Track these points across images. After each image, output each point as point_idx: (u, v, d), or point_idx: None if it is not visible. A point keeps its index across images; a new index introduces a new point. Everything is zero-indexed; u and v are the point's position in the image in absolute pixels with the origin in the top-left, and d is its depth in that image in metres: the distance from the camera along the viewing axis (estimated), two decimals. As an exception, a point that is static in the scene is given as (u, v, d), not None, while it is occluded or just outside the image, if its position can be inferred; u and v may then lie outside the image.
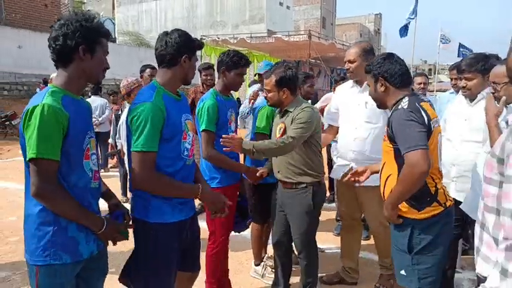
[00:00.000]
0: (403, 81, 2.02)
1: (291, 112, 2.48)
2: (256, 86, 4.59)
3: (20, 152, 1.54)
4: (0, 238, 3.88)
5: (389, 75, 2.00)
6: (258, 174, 2.65)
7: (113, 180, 6.28)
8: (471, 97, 2.56)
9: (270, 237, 3.05)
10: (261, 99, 3.51)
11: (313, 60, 19.87)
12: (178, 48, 1.84)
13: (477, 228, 1.47)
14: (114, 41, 26.97)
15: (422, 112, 1.86)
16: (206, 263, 2.76)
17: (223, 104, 2.61)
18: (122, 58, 16.25)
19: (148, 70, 4.30)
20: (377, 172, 2.36)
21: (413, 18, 14.24)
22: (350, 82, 2.99)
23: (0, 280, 3.02)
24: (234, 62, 2.62)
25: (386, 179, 2.01)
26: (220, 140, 2.34)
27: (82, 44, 1.52)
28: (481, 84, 2.50)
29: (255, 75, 4.78)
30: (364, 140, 2.79)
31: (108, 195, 1.83)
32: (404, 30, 14.48)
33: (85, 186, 1.59)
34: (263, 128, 2.97)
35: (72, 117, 1.48)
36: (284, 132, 2.47)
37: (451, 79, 3.85)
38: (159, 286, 1.89)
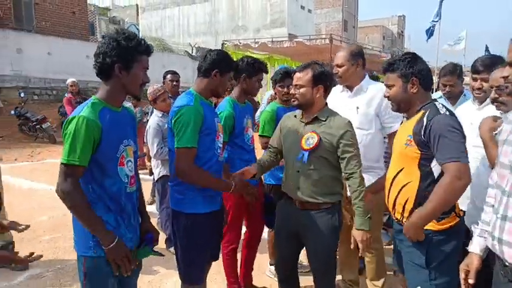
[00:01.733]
0: (431, 84, 1.93)
1: (324, 121, 2.17)
2: (272, 92, 4.67)
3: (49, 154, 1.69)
4: (33, 237, 4.07)
5: (423, 76, 1.86)
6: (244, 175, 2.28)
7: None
8: (483, 100, 2.42)
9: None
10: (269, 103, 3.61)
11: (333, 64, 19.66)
12: (212, 63, 2.14)
13: (496, 221, 1.50)
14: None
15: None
16: (224, 263, 2.84)
17: (240, 112, 2.70)
18: (146, 63, 16.57)
19: (169, 76, 4.43)
20: (376, 192, 2.33)
21: (437, 21, 13.97)
22: (339, 86, 2.87)
23: (34, 277, 3.19)
24: (256, 69, 2.69)
25: (402, 187, 1.86)
26: None
27: (118, 62, 1.64)
28: None
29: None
30: None
31: (143, 217, 1.95)
32: (430, 33, 14.23)
33: (119, 190, 1.71)
34: (266, 131, 2.98)
35: (105, 128, 1.62)
36: (318, 145, 2.13)
37: (444, 85, 3.35)
38: (193, 272, 2.16)
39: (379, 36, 45.02)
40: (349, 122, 2.19)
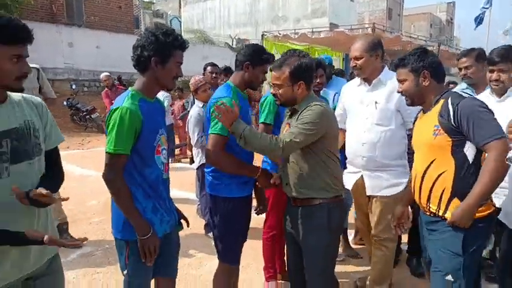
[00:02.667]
0: (443, 76, 1.95)
1: (298, 111, 2.05)
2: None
3: (98, 142, 1.84)
4: (84, 219, 4.40)
5: (433, 69, 1.89)
6: (272, 181, 2.19)
7: (183, 172, 6.70)
8: (501, 92, 2.36)
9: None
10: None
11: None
12: (244, 56, 2.19)
13: None
14: (180, 38, 28.16)
15: None
16: (263, 248, 2.93)
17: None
18: (186, 55, 16.99)
19: (209, 68, 4.53)
20: (409, 204, 2.22)
21: (487, 8, 13.16)
22: (357, 80, 2.72)
23: (85, 255, 3.47)
24: (263, 59, 2.25)
25: (437, 178, 1.86)
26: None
27: (154, 56, 1.72)
28: None
29: None
30: (374, 145, 2.52)
31: None
32: (478, 21, 13.45)
33: (157, 177, 1.83)
34: (267, 117, 2.74)
35: (145, 119, 1.73)
36: None
37: (460, 69, 3.11)
38: (229, 252, 2.29)
39: (426, 24, 42.97)
40: (321, 105, 1.97)
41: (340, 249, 3.24)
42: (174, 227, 1.97)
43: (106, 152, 1.71)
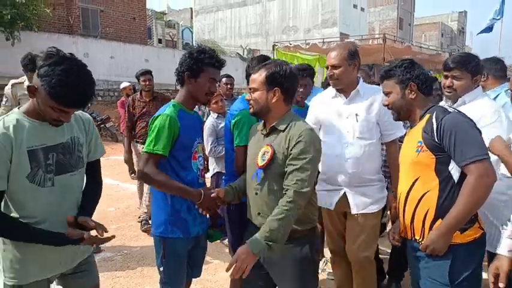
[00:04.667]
0: (430, 88, 1.84)
1: (282, 132, 1.79)
2: None
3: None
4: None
5: (420, 81, 1.79)
6: (214, 195, 1.94)
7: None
8: (454, 99, 2.29)
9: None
10: None
11: (387, 64, 19.11)
12: (248, 69, 2.29)
13: None
14: (191, 49, 28.59)
15: None
16: None
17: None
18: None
19: (224, 79, 4.64)
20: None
21: (499, 19, 13.14)
22: (331, 91, 2.49)
23: (106, 259, 3.59)
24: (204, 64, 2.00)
25: (420, 199, 1.71)
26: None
27: (187, 71, 1.93)
28: (469, 86, 2.23)
29: (322, 82, 4.78)
30: (358, 160, 2.34)
31: None
32: (488, 31, 13.43)
33: (193, 180, 1.99)
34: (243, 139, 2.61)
35: (183, 127, 1.91)
36: (271, 160, 1.76)
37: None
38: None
39: (437, 33, 42.88)
40: (310, 129, 1.78)
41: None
42: (204, 231, 2.10)
43: (144, 152, 1.91)
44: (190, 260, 2.04)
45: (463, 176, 1.63)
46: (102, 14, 16.47)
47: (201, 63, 1.92)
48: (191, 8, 35.15)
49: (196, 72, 1.94)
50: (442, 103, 2.26)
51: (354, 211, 2.40)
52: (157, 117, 1.92)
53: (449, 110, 1.70)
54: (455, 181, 1.66)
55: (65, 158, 1.62)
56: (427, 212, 1.69)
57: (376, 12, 35.98)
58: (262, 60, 2.23)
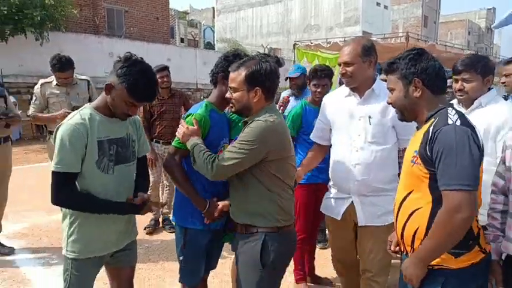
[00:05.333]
0: (442, 85, 1.57)
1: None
2: (287, 92, 4.54)
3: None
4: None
5: (428, 77, 1.51)
6: (216, 213, 1.98)
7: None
8: (468, 103, 2.19)
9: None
10: (292, 105, 3.52)
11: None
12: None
13: None
14: (212, 48, 28.94)
15: (478, 133, 1.44)
16: None
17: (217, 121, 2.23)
18: (221, 64, 17.44)
19: None
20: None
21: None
22: (344, 89, 2.30)
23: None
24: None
25: (412, 214, 1.52)
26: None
27: (222, 72, 2.01)
28: (480, 87, 2.17)
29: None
30: (368, 166, 2.15)
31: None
32: (503, 23, 12.92)
33: None
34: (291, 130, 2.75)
35: (212, 125, 2.00)
36: None
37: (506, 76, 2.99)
38: None
39: (463, 31, 41.72)
40: (266, 120, 1.72)
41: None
42: (222, 226, 2.14)
43: (173, 145, 2.03)
44: (208, 252, 2.11)
45: None
46: (126, 14, 16.85)
47: None
48: (213, 8, 35.43)
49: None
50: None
51: (361, 222, 2.21)
52: (189, 115, 2.01)
53: (451, 119, 1.43)
54: None
55: (122, 151, 1.86)
56: (417, 229, 1.50)
57: (400, 9, 35.31)
58: (235, 56, 2.06)
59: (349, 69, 2.15)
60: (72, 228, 1.80)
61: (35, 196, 5.34)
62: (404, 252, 1.64)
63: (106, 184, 1.78)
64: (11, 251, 3.61)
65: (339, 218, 2.30)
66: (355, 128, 2.20)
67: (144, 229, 4.12)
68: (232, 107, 1.84)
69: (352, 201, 2.23)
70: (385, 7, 27.95)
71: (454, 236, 1.37)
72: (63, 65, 3.47)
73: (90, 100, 3.75)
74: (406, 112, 1.60)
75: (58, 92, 3.59)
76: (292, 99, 4.17)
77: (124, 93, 1.69)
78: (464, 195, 1.33)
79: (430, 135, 1.42)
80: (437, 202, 1.42)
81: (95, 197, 1.76)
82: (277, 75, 1.81)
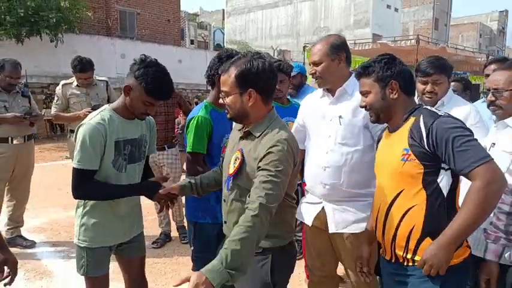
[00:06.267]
0: (413, 88, 1.67)
1: (256, 138, 1.58)
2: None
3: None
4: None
5: (403, 80, 1.58)
6: (162, 192, 1.89)
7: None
8: (433, 103, 2.27)
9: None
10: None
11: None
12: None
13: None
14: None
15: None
16: (303, 248, 3.14)
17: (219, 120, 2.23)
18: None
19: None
20: (373, 241, 1.78)
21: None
22: (319, 91, 2.23)
23: (152, 245, 3.84)
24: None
25: (405, 214, 1.50)
26: None
27: (216, 74, 2.10)
28: (447, 89, 2.31)
29: None
30: (339, 169, 2.02)
31: None
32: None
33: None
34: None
35: (214, 124, 2.14)
36: (239, 168, 1.59)
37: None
38: None
39: (475, 34, 41.37)
40: (285, 138, 1.52)
41: None
42: None
43: (187, 152, 2.15)
44: (219, 244, 2.24)
45: (453, 188, 1.49)
46: (138, 16, 17.09)
47: None
48: (223, 10, 35.66)
49: None
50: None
51: (331, 229, 2.07)
52: (191, 119, 2.12)
53: (438, 113, 1.49)
54: (445, 194, 1.48)
55: (135, 151, 1.97)
56: (413, 228, 1.49)
57: (410, 12, 35.17)
58: (229, 57, 1.97)
59: (317, 68, 2.05)
60: (83, 219, 1.93)
61: (52, 193, 5.51)
62: (391, 258, 1.58)
63: (119, 181, 1.90)
64: (32, 244, 3.76)
65: (309, 224, 2.17)
66: (325, 129, 2.08)
67: (152, 243, 3.83)
68: (227, 113, 1.63)
69: (323, 207, 2.10)
70: (396, 9, 27.90)
71: (490, 210, 1.39)
72: (83, 66, 3.62)
73: (108, 100, 3.90)
74: (383, 114, 1.62)
75: (78, 92, 3.75)
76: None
77: (142, 93, 1.78)
78: (492, 164, 1.36)
79: (426, 131, 1.44)
80: (432, 197, 1.46)
81: (111, 185, 1.89)
82: (272, 73, 1.59)
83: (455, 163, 1.39)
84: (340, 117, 2.04)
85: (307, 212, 2.20)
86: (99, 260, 1.97)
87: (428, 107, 1.57)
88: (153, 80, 1.77)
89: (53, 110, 3.80)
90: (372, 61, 1.62)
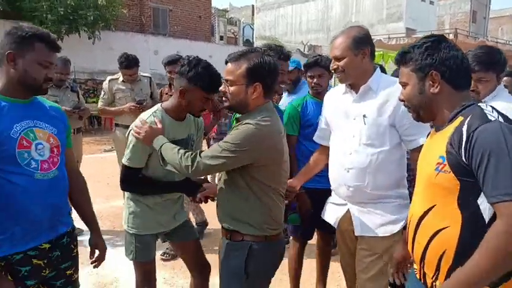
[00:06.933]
0: (466, 79, 1.32)
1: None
2: None
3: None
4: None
5: (448, 69, 1.26)
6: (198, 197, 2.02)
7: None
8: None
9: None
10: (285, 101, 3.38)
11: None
12: None
13: None
14: (251, 45, 29.19)
15: None
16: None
17: None
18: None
19: None
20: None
21: None
22: (342, 87, 2.08)
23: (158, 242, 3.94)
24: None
25: (435, 234, 1.26)
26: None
27: None
28: (494, 88, 2.05)
29: None
30: (363, 171, 1.90)
31: None
32: None
33: None
34: (289, 128, 2.57)
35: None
36: None
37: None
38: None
39: (515, 26, 39.39)
40: (256, 123, 1.59)
41: None
42: None
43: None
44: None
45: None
46: (171, 13, 17.38)
47: None
48: (252, 5, 35.62)
49: None
50: None
51: (357, 232, 1.97)
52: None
53: (491, 115, 1.17)
54: (487, 220, 1.17)
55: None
56: (444, 253, 1.24)
57: (446, 5, 33.87)
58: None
59: (340, 63, 1.91)
60: (132, 208, 2.08)
61: (93, 185, 5.72)
62: (423, 279, 1.36)
63: (167, 178, 2.01)
64: (79, 232, 3.94)
65: (335, 226, 2.11)
66: (349, 129, 1.96)
67: (162, 255, 3.62)
68: (225, 101, 1.70)
69: (348, 209, 2.01)
70: (431, 2, 26.97)
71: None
72: (130, 63, 3.76)
73: (151, 95, 4.03)
74: (422, 111, 1.35)
75: (124, 87, 3.90)
76: (285, 95, 3.83)
77: (199, 91, 1.87)
78: None
79: (465, 136, 1.15)
80: (468, 221, 1.18)
81: (155, 181, 2.02)
82: (277, 71, 1.69)
83: (483, 184, 1.11)
84: (364, 116, 1.91)
85: (332, 213, 2.13)
86: (147, 246, 2.11)
87: (484, 106, 1.24)
88: (206, 76, 1.86)
89: (100, 104, 3.98)
90: (412, 46, 1.35)
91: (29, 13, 10.94)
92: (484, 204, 1.16)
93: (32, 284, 1.59)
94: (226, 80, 1.67)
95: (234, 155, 1.57)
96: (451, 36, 10.65)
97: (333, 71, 2.06)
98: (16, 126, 1.51)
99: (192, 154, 1.64)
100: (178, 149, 1.69)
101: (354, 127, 1.94)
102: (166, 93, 3.88)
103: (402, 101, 1.42)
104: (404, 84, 1.38)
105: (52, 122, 1.65)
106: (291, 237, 2.91)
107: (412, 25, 23.91)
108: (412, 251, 1.38)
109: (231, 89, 1.65)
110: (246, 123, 1.59)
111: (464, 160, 1.15)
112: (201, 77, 1.85)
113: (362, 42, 1.89)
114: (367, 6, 26.81)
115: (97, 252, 1.95)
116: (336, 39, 1.95)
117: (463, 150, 1.15)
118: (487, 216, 1.17)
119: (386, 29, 23.07)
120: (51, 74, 1.58)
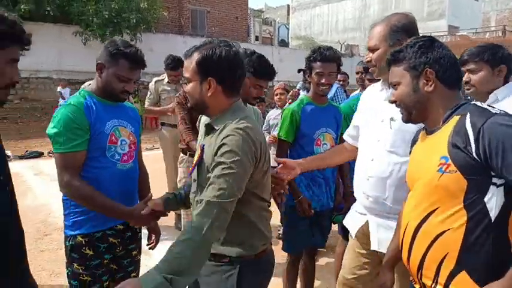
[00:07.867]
0: (458, 78, 1.31)
1: (216, 131, 1.41)
2: (299, 84, 4.38)
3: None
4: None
5: (442, 67, 1.25)
6: (144, 212, 1.66)
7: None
8: (480, 97, 1.88)
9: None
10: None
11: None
12: None
13: None
14: (286, 45, 29.15)
15: None
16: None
17: None
18: (295, 61, 17.56)
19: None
20: (395, 264, 1.53)
21: None
22: (379, 83, 1.87)
23: (163, 241, 4.02)
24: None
25: (436, 238, 1.21)
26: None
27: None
28: (489, 79, 1.95)
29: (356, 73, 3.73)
30: (383, 181, 1.68)
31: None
32: None
33: None
34: (285, 133, 2.39)
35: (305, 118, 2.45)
36: (197, 165, 1.46)
37: (357, 73, 3.52)
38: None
39: None
40: (240, 128, 1.35)
41: None
42: (323, 207, 2.43)
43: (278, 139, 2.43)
44: (309, 230, 2.41)
45: (505, 214, 1.15)
46: (208, 15, 17.75)
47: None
48: (288, 5, 35.56)
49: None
50: None
51: (373, 246, 1.76)
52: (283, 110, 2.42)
53: (490, 110, 1.16)
54: (493, 218, 1.15)
55: None
56: (445, 256, 1.20)
57: (492, 1, 32.28)
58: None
59: (373, 56, 1.72)
60: None
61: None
62: (418, 285, 1.30)
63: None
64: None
65: (354, 234, 1.89)
66: (375, 132, 1.75)
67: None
68: (189, 100, 1.50)
69: (367, 220, 1.80)
70: (476, -1, 25.86)
71: None
72: (176, 64, 3.90)
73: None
74: (415, 111, 1.30)
75: (169, 88, 4.05)
76: (303, 93, 3.71)
77: (253, 79, 1.93)
78: None
79: (475, 133, 1.12)
80: (474, 222, 1.15)
81: None
82: (237, 65, 1.41)
83: (508, 173, 1.08)
84: (391, 119, 1.67)
85: (353, 222, 1.90)
86: None
87: (478, 103, 1.22)
88: (259, 64, 1.93)
89: (146, 104, 4.15)
90: (404, 46, 1.32)
91: (77, 17, 11.54)
92: (491, 202, 1.14)
93: (108, 258, 1.81)
94: (185, 78, 1.47)
95: (240, 171, 1.31)
96: (498, 34, 10.16)
97: (366, 63, 1.88)
98: (108, 124, 1.76)
99: (195, 213, 1.29)
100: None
101: (380, 130, 1.72)
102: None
103: (394, 101, 1.37)
104: (396, 84, 1.34)
105: (131, 122, 1.89)
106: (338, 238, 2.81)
107: (455, 22, 23.00)
108: (408, 261, 1.31)
109: (188, 87, 1.44)
110: (231, 133, 1.33)
111: (475, 157, 1.12)
112: (253, 64, 1.91)
113: (400, 32, 1.66)
114: (407, 4, 26.05)
115: (153, 236, 2.06)
116: (374, 28, 1.75)
117: (473, 147, 1.12)
118: (493, 214, 1.15)
119: (428, 26, 22.30)
120: (130, 88, 1.77)
